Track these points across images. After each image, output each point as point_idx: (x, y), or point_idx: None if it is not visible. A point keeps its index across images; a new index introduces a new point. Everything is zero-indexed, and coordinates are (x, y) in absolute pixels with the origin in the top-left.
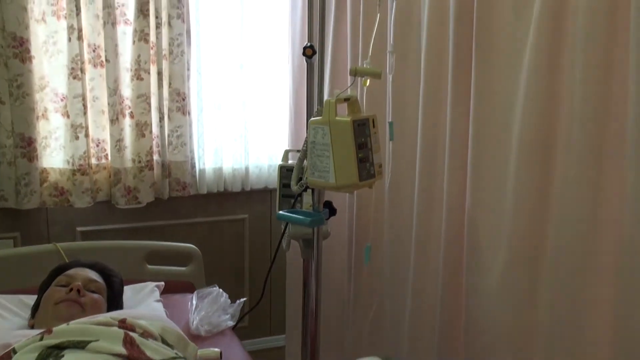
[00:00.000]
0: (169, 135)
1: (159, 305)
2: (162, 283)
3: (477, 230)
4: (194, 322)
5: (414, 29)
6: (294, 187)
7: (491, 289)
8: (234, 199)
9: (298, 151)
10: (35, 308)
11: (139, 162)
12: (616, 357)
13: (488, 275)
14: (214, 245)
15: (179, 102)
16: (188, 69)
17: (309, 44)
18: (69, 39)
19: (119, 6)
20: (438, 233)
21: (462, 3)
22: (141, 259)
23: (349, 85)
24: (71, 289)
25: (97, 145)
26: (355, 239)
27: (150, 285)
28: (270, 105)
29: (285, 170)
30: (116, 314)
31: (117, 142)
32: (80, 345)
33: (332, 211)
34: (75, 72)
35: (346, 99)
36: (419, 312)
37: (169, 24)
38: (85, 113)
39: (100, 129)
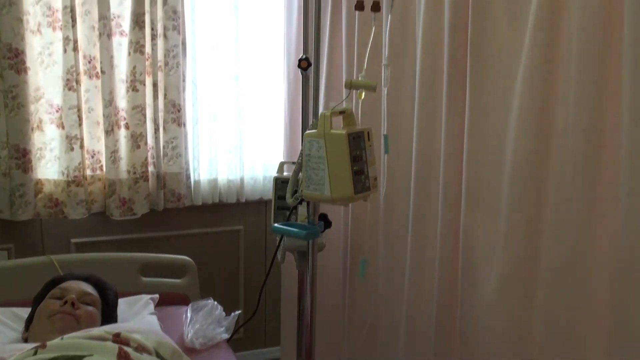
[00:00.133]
0: (164, 147)
1: (153, 318)
2: (157, 295)
3: (472, 244)
4: (189, 335)
5: (409, 42)
6: (289, 200)
7: (487, 301)
8: (229, 210)
9: (293, 163)
10: (29, 321)
11: (134, 173)
12: None
13: (483, 289)
14: (209, 256)
15: (174, 113)
16: (183, 81)
17: (304, 56)
18: (65, 50)
19: (114, 18)
20: (433, 246)
21: (457, 16)
22: (135, 271)
23: (344, 98)
24: (65, 302)
25: (92, 157)
26: (350, 251)
27: (145, 297)
28: (265, 117)
29: (280, 182)
30: (110, 328)
31: (112, 154)
32: None
33: (328, 224)
34: (71, 83)
35: (341, 112)
36: (414, 325)
37: (165, 35)
38: (80, 124)
39: (95, 140)
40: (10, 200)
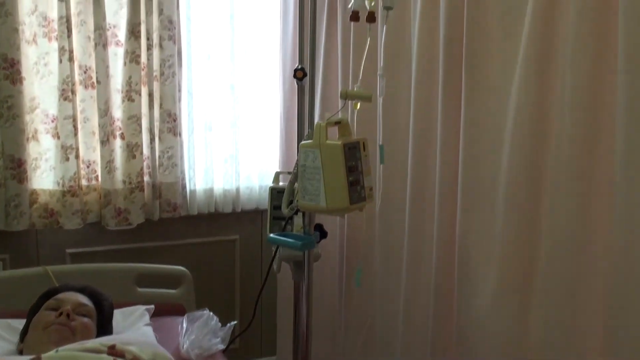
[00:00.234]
0: (159, 156)
1: (149, 329)
2: (152, 306)
3: (469, 252)
4: (184, 346)
5: (404, 53)
6: (285, 211)
7: (483, 309)
8: (224, 220)
9: (289, 173)
10: (24, 332)
11: (130, 183)
12: None
13: (479, 298)
14: (204, 266)
15: (170, 123)
16: (179, 90)
17: (299, 67)
18: (60, 61)
19: (110, 28)
20: (429, 256)
21: (451, 28)
22: (131, 281)
23: (339, 108)
24: (61, 313)
25: (88, 167)
26: (346, 261)
27: (140, 308)
28: (261, 126)
29: (276, 192)
30: (106, 340)
31: (108, 164)
32: None
33: (323, 234)
34: (66, 93)
35: (337, 122)
36: (410, 333)
37: (160, 45)
38: (75, 134)
39: (90, 150)
40: (5, 210)
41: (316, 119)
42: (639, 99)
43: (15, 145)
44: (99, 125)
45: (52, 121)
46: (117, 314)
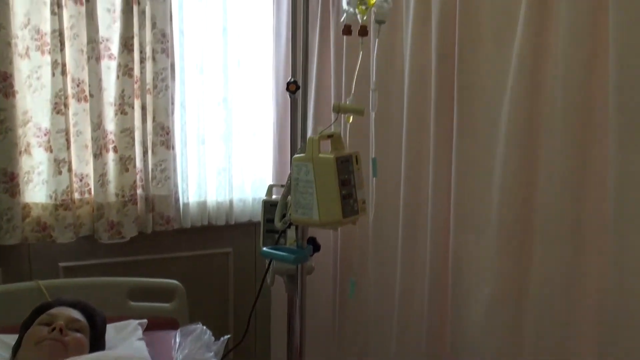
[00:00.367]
0: (152, 170)
1: (142, 344)
2: (145, 320)
3: (462, 265)
4: None
5: (396, 67)
6: (278, 224)
7: (477, 321)
8: (218, 232)
9: (282, 186)
10: (17, 348)
11: (123, 196)
12: None
13: (473, 309)
14: (198, 279)
15: (163, 136)
16: (172, 103)
17: (292, 80)
18: (53, 74)
19: (103, 41)
20: (422, 268)
21: (443, 42)
22: (124, 295)
23: (332, 121)
24: (54, 328)
25: (81, 180)
26: (340, 273)
27: (133, 323)
28: (254, 139)
29: (269, 206)
30: (97, 356)
31: (101, 177)
32: None
33: (316, 247)
34: (59, 106)
35: (329, 136)
36: (404, 345)
37: (153, 58)
38: (68, 148)
39: (83, 164)
40: None
41: (309, 132)
42: (629, 113)
43: (8, 158)
44: (92, 139)
45: (45, 134)
46: (110, 329)
